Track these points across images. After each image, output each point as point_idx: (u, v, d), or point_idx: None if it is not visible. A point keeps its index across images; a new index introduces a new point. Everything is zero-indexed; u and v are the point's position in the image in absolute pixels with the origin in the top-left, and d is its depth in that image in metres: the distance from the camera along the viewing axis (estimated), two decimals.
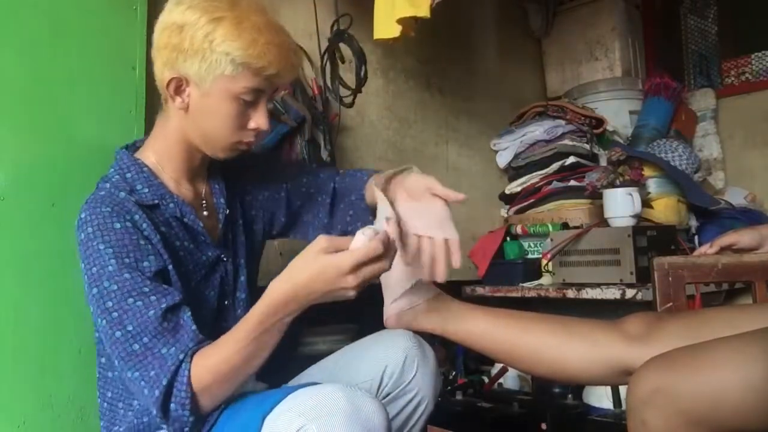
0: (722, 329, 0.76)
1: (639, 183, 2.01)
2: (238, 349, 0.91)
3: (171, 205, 1.06)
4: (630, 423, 0.69)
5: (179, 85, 1.01)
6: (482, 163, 2.47)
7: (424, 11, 1.52)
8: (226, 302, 1.13)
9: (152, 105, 1.43)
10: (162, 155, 1.09)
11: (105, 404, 1.07)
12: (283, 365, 1.24)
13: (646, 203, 2.10)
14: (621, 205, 1.93)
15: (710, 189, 2.51)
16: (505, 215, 2.44)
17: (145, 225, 1.00)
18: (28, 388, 1.14)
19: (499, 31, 2.68)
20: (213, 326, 1.06)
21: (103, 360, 1.07)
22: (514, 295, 2.09)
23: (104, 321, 0.94)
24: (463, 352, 2.11)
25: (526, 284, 2.09)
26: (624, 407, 1.69)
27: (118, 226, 0.97)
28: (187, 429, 0.94)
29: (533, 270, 2.13)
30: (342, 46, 1.79)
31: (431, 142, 2.29)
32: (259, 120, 1.04)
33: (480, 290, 2.18)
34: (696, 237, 2.26)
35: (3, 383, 1.11)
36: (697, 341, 0.70)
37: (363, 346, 1.16)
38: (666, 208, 2.17)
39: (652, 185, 2.20)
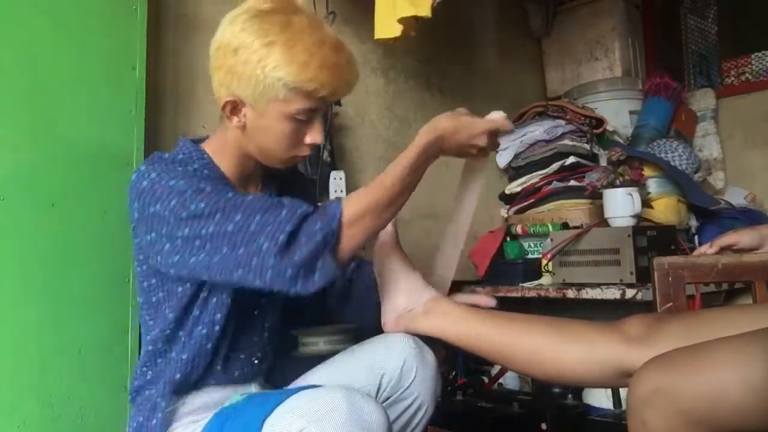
0: (722, 329, 0.76)
1: (639, 183, 2.01)
2: (390, 187, 0.98)
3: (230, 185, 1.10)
4: (630, 423, 0.69)
5: (235, 106, 1.05)
6: None
7: (425, 11, 1.52)
8: (255, 311, 1.14)
9: (152, 105, 1.44)
10: (219, 156, 1.11)
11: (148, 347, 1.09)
12: (283, 365, 1.25)
13: (646, 203, 2.10)
14: (621, 205, 1.93)
15: (710, 189, 2.51)
16: (505, 215, 2.44)
17: (206, 172, 1.07)
18: (28, 388, 1.14)
19: (499, 31, 2.68)
20: (237, 331, 1.09)
21: (157, 332, 1.08)
22: (514, 295, 2.09)
23: (211, 227, 0.94)
24: (464, 352, 2.10)
25: (526, 284, 2.09)
26: (624, 407, 1.69)
27: (180, 169, 1.03)
28: (329, 255, 0.93)
29: (533, 270, 2.13)
30: None
31: None
32: (314, 136, 1.08)
33: (480, 290, 2.18)
34: (696, 237, 2.26)
35: (3, 383, 1.11)
36: (697, 342, 0.70)
37: (361, 351, 1.16)
38: (666, 208, 2.16)
39: (652, 185, 2.20)
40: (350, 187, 1.85)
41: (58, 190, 1.21)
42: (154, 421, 1.04)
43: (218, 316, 1.06)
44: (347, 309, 1.30)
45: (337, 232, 0.94)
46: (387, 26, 1.60)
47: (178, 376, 1.05)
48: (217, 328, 1.06)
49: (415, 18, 1.56)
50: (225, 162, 1.11)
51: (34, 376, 1.15)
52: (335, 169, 1.81)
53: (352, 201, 0.96)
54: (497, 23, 2.68)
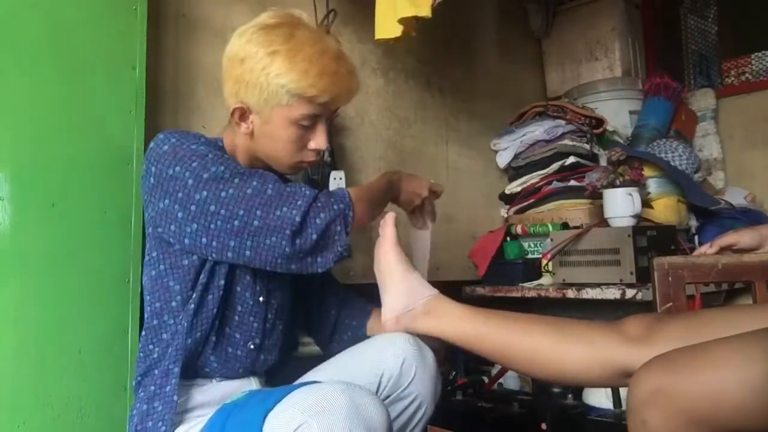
0: (722, 330, 0.76)
1: (639, 183, 2.01)
2: (368, 189, 1.17)
3: None
4: (630, 423, 0.69)
5: (243, 113, 1.12)
6: (482, 163, 2.47)
7: (425, 11, 1.52)
8: (261, 298, 1.16)
9: (152, 105, 1.44)
10: (232, 155, 1.16)
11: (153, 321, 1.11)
12: (283, 365, 1.25)
13: (646, 203, 2.10)
14: (621, 205, 1.93)
15: (710, 189, 2.51)
16: (505, 215, 2.44)
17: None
18: (28, 388, 1.14)
19: (499, 31, 2.68)
20: (235, 313, 1.12)
21: (158, 305, 1.11)
22: (514, 295, 2.09)
23: (231, 190, 1.01)
24: (463, 352, 2.10)
25: (526, 284, 2.09)
26: (624, 407, 1.69)
27: (196, 139, 1.09)
28: (349, 213, 1.05)
29: (533, 270, 2.13)
30: None
31: (431, 142, 2.29)
32: (318, 141, 1.14)
33: (480, 290, 2.18)
34: (696, 237, 2.26)
35: (3, 383, 1.11)
36: (697, 342, 0.70)
37: (361, 350, 1.16)
38: (666, 208, 2.16)
39: (652, 185, 2.20)
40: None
41: (58, 190, 1.21)
42: (168, 387, 1.05)
43: (222, 282, 1.10)
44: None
45: (349, 204, 1.06)
46: (387, 26, 1.60)
47: (189, 341, 1.07)
48: (221, 293, 1.10)
49: (416, 18, 1.55)
50: (237, 159, 1.16)
51: (34, 376, 1.15)
52: (335, 169, 1.81)
53: (352, 191, 1.10)
54: (497, 23, 2.68)
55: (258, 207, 1.00)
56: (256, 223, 1.00)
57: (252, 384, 1.16)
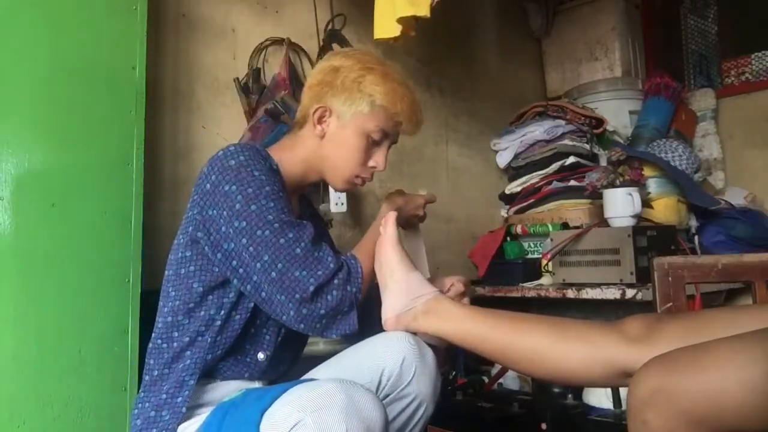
0: (722, 330, 0.75)
1: (639, 183, 2.01)
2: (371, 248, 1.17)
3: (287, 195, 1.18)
4: (630, 423, 0.69)
5: (323, 115, 1.17)
6: (482, 163, 2.47)
7: (424, 11, 1.52)
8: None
9: (152, 105, 1.44)
10: (282, 164, 1.18)
11: (165, 344, 1.11)
12: (284, 366, 1.25)
13: (646, 203, 2.10)
14: (621, 205, 1.93)
15: (710, 189, 2.51)
16: (505, 215, 2.44)
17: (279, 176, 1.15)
18: (28, 388, 1.14)
19: (499, 31, 2.68)
20: (247, 324, 1.12)
21: (177, 303, 1.11)
22: (514, 295, 2.09)
23: (267, 231, 1.04)
24: (463, 352, 2.11)
25: (526, 284, 2.09)
26: (624, 407, 1.69)
27: (264, 162, 1.12)
28: (358, 292, 1.08)
29: (533, 270, 2.13)
30: (335, 46, 1.79)
31: (431, 142, 2.29)
32: (378, 160, 1.21)
33: (480, 290, 2.18)
34: (696, 237, 2.26)
35: (3, 383, 1.11)
36: (698, 342, 0.70)
37: (361, 349, 1.16)
38: (666, 208, 2.16)
39: (652, 185, 2.20)
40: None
41: (58, 190, 1.21)
42: (180, 398, 1.05)
43: (252, 304, 1.11)
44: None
45: (361, 287, 1.09)
46: (386, 26, 1.60)
47: (209, 357, 1.08)
48: (248, 315, 1.11)
49: (415, 18, 1.56)
50: (287, 170, 1.18)
51: (34, 376, 1.15)
52: None
53: (361, 257, 1.13)
54: (497, 23, 2.68)
55: (281, 260, 1.02)
56: (273, 275, 1.02)
57: (255, 385, 1.16)
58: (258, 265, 1.03)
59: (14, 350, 1.13)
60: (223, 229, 1.05)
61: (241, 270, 1.05)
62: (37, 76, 1.20)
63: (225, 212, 1.05)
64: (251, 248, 1.03)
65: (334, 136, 1.18)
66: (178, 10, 1.62)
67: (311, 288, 1.01)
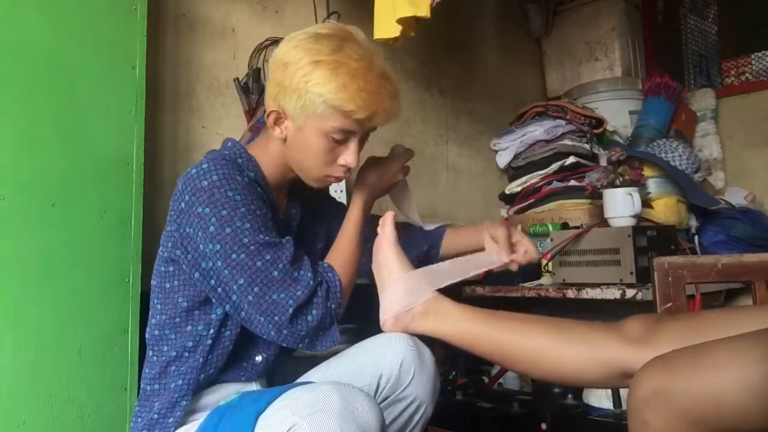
0: (722, 330, 0.75)
1: (639, 183, 2.01)
2: (353, 240, 1.16)
3: (270, 194, 1.16)
4: (631, 423, 0.69)
5: (278, 118, 1.11)
6: (482, 163, 2.47)
7: (424, 11, 1.52)
8: None
9: (152, 105, 1.44)
10: (260, 161, 1.16)
11: (159, 358, 1.10)
12: (281, 366, 1.25)
13: (646, 203, 2.10)
14: (621, 205, 1.93)
15: (710, 189, 2.50)
16: (505, 215, 2.44)
17: (256, 185, 1.12)
18: (28, 388, 1.14)
19: (499, 31, 2.68)
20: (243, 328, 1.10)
21: (163, 318, 1.10)
22: (514, 295, 2.09)
23: (243, 255, 1.01)
24: (463, 352, 2.10)
25: (526, 284, 2.09)
26: (624, 407, 1.69)
27: (239, 179, 1.07)
28: (340, 309, 1.07)
29: (533, 270, 2.13)
30: None
31: (431, 142, 2.29)
32: (348, 158, 1.13)
33: (480, 290, 2.18)
34: (696, 237, 2.26)
35: (3, 383, 1.11)
36: (698, 342, 0.70)
37: (359, 351, 1.16)
38: (666, 208, 2.16)
39: (652, 185, 2.20)
40: (350, 187, 1.85)
41: (58, 190, 1.21)
42: (171, 419, 1.05)
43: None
44: None
45: (341, 302, 1.07)
46: (386, 26, 1.60)
47: (202, 377, 1.07)
48: (239, 330, 1.09)
49: (415, 18, 1.55)
50: (266, 168, 1.16)
51: (34, 376, 1.15)
52: None
53: (338, 265, 1.11)
54: (497, 23, 2.68)
55: (257, 284, 1.00)
56: (251, 297, 1.01)
57: (252, 387, 1.16)
58: (235, 286, 1.01)
59: (14, 350, 1.13)
60: (201, 247, 1.03)
61: (219, 289, 1.03)
62: (37, 75, 1.20)
63: (200, 233, 1.02)
64: (226, 271, 1.01)
65: (294, 140, 1.11)
66: (178, 10, 1.62)
67: (290, 310, 1.00)
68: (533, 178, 2.35)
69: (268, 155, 1.16)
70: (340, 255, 1.13)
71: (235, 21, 1.77)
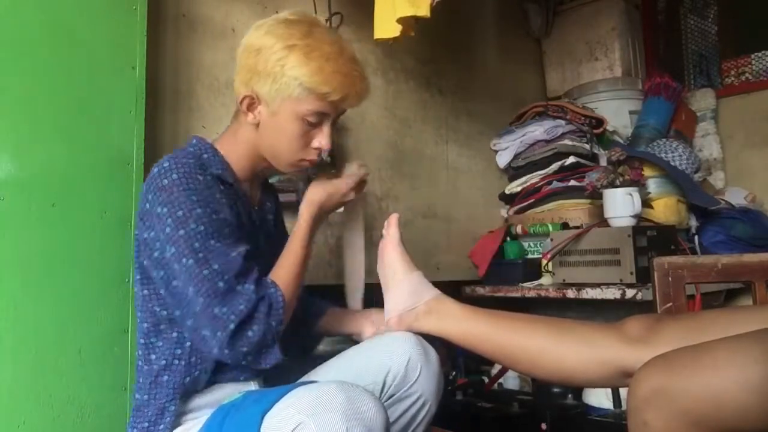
0: (723, 330, 0.76)
1: (639, 183, 2.01)
2: (297, 256, 1.12)
3: (238, 189, 1.15)
4: (631, 423, 0.69)
5: (251, 103, 1.11)
6: (482, 163, 2.47)
7: (424, 11, 1.52)
8: None
9: (152, 105, 1.44)
10: (229, 154, 1.16)
11: (146, 367, 1.10)
12: (284, 366, 1.25)
13: (646, 203, 2.10)
14: (621, 205, 1.93)
15: (710, 189, 2.51)
16: (505, 215, 2.44)
17: (220, 183, 1.10)
18: (28, 388, 1.14)
19: (499, 31, 2.68)
20: None
21: (145, 326, 1.10)
22: (514, 295, 2.09)
23: (191, 260, 1.00)
24: (464, 352, 2.11)
25: (526, 284, 2.09)
26: (624, 407, 1.69)
27: (200, 177, 1.06)
28: (280, 327, 1.03)
29: (533, 270, 2.13)
30: None
31: (431, 142, 2.29)
32: (322, 140, 1.14)
33: (480, 290, 2.18)
34: (696, 237, 2.26)
35: (3, 383, 1.11)
36: (698, 342, 0.70)
37: (365, 349, 1.16)
38: (666, 208, 2.17)
39: (652, 185, 2.20)
40: None
41: (58, 190, 1.21)
42: (162, 425, 1.05)
43: None
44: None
45: (282, 319, 1.04)
46: (386, 26, 1.60)
47: (187, 379, 1.07)
48: None
49: (415, 18, 1.55)
50: (235, 162, 1.16)
51: (34, 376, 1.15)
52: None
53: (282, 282, 1.07)
54: (497, 23, 2.68)
55: (203, 294, 0.99)
56: (197, 309, 0.99)
57: (251, 386, 1.16)
58: (184, 296, 1.00)
59: (14, 350, 1.13)
60: (156, 254, 1.03)
61: (174, 297, 1.03)
62: (37, 75, 1.20)
63: (161, 235, 1.02)
64: (181, 277, 1.00)
65: (267, 124, 1.12)
66: (178, 10, 1.62)
67: (231, 326, 0.97)
68: (533, 178, 2.35)
69: (238, 145, 1.16)
70: (284, 271, 1.09)
71: (235, 21, 1.77)
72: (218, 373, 1.11)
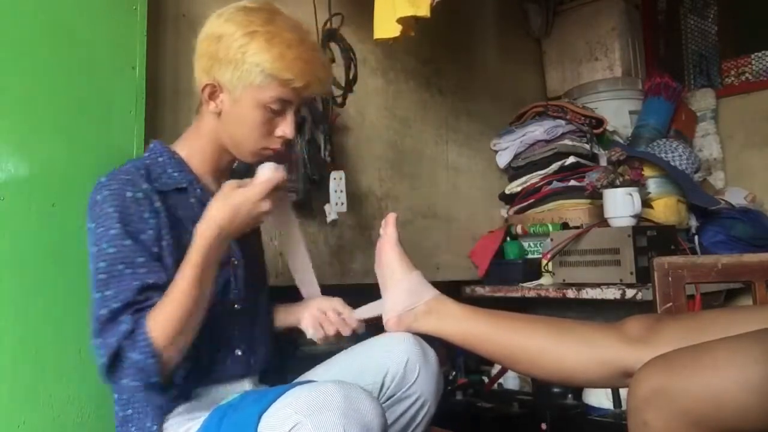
0: (723, 330, 0.76)
1: (639, 183, 2.01)
2: (185, 294, 0.96)
3: (198, 190, 1.13)
4: (631, 423, 0.69)
5: (213, 91, 1.10)
6: (482, 163, 2.47)
7: (424, 11, 1.52)
8: (225, 305, 1.13)
9: (152, 105, 1.43)
10: (193, 150, 1.15)
11: None
12: (283, 366, 1.25)
13: (646, 203, 2.10)
14: (621, 205, 1.94)
15: (710, 189, 2.51)
16: (505, 215, 2.44)
17: (155, 199, 1.05)
18: (28, 388, 1.14)
19: (499, 31, 2.68)
20: (212, 326, 1.07)
21: None
22: (514, 295, 2.09)
23: (93, 281, 0.99)
24: (463, 352, 2.11)
25: (526, 284, 2.09)
26: (624, 407, 1.69)
27: (129, 194, 1.03)
28: (154, 378, 0.94)
29: (533, 270, 2.13)
30: (334, 45, 1.79)
31: (431, 142, 2.29)
32: (285, 129, 1.11)
33: (480, 290, 2.18)
34: (696, 237, 2.26)
35: (3, 383, 1.11)
36: (698, 342, 0.70)
37: (364, 350, 1.16)
38: (666, 208, 2.17)
39: (652, 185, 2.20)
40: (350, 187, 1.85)
41: (58, 190, 1.20)
42: (155, 427, 1.04)
43: None
44: None
45: (155, 361, 0.94)
46: (386, 26, 1.60)
47: (166, 397, 1.04)
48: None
49: (414, 18, 1.55)
50: (199, 158, 1.15)
51: (34, 376, 1.15)
52: (335, 169, 1.81)
53: (159, 323, 0.94)
54: (497, 23, 2.68)
55: (92, 320, 0.97)
56: (90, 332, 0.98)
57: (245, 386, 1.16)
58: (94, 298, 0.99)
59: (14, 350, 1.13)
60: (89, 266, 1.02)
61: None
62: (37, 75, 1.20)
63: (89, 249, 1.02)
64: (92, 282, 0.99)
65: (230, 113, 1.10)
66: (178, 10, 1.62)
67: (102, 360, 0.95)
68: (533, 178, 2.35)
69: (201, 139, 1.14)
70: (163, 316, 0.95)
71: None
72: (206, 377, 1.10)
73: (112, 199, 1.02)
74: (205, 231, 0.99)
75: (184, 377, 1.05)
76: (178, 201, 1.10)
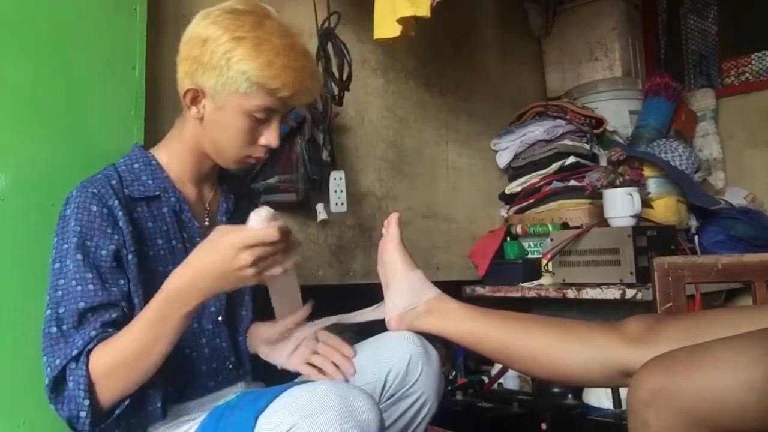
0: (723, 330, 0.76)
1: (639, 183, 2.01)
2: (135, 337, 0.92)
3: (173, 199, 1.10)
4: (631, 423, 0.69)
5: (195, 96, 1.06)
6: (482, 163, 2.47)
7: (424, 11, 1.52)
8: (220, 318, 1.13)
9: (152, 105, 1.43)
10: (173, 155, 1.13)
11: None
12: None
13: (646, 203, 2.10)
14: (621, 205, 1.94)
15: (710, 189, 2.51)
16: (505, 215, 2.44)
17: (120, 214, 1.02)
18: (28, 388, 1.14)
19: (499, 31, 2.68)
20: (191, 339, 1.07)
21: None
22: (514, 295, 2.09)
23: (47, 296, 0.98)
24: (464, 352, 2.11)
25: (526, 284, 2.09)
26: (624, 407, 1.70)
27: (94, 208, 1.01)
28: (83, 413, 0.92)
29: (533, 270, 2.13)
30: (330, 46, 1.79)
31: (431, 142, 2.29)
32: (269, 138, 1.08)
33: (480, 290, 2.18)
34: (696, 237, 2.26)
35: (3, 383, 1.11)
36: (698, 342, 0.70)
37: (366, 348, 1.16)
38: (666, 208, 2.17)
39: (652, 185, 2.20)
40: (350, 187, 1.85)
41: (58, 190, 1.20)
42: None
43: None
44: None
45: (86, 393, 0.91)
46: (386, 26, 1.60)
47: (143, 415, 1.01)
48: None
49: (415, 18, 1.56)
50: (178, 165, 1.13)
51: (34, 376, 1.15)
52: (335, 169, 1.81)
53: (103, 364, 0.92)
54: (497, 23, 2.68)
55: (42, 336, 0.96)
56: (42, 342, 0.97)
57: (240, 387, 1.16)
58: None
59: (14, 350, 1.13)
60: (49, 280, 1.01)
61: None
62: (36, 75, 1.20)
63: (51, 265, 1.01)
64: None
65: (212, 119, 1.05)
66: (178, 11, 1.62)
67: (47, 380, 0.94)
68: (533, 178, 2.35)
69: (182, 144, 1.12)
70: (110, 357, 0.91)
71: None
72: (198, 389, 1.09)
73: (79, 212, 1.00)
74: (177, 274, 0.92)
75: (177, 395, 1.05)
76: (149, 210, 1.08)
